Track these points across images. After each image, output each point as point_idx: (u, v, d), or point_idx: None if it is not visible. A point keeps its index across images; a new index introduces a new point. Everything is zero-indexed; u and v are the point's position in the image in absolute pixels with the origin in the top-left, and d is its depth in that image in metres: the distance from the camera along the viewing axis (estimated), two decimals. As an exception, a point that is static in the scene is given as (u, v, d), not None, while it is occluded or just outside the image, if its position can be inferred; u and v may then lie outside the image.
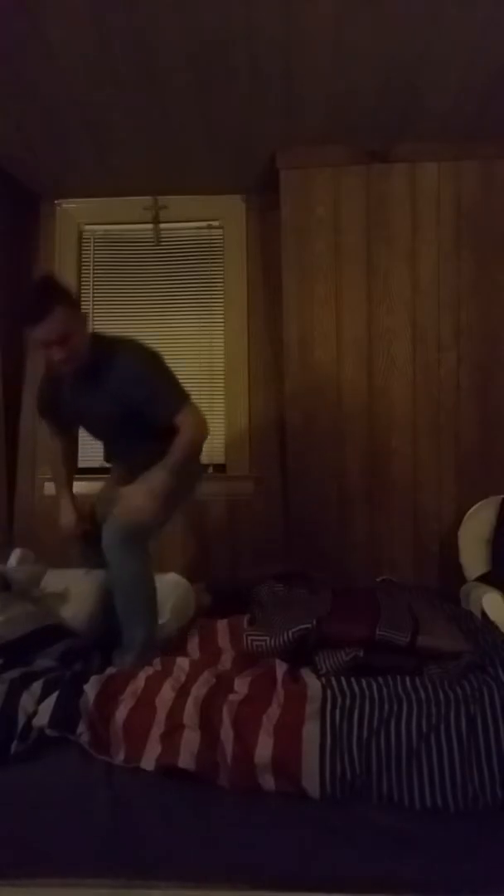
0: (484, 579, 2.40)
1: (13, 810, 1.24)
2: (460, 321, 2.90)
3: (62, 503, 2.25)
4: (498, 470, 2.83)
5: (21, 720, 1.37)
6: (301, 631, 1.57)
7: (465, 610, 2.21)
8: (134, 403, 1.85)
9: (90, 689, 1.43)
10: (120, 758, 1.33)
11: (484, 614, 2.11)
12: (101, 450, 2.28)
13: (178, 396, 1.90)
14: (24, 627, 1.75)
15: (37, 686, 1.45)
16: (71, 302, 1.86)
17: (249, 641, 1.64)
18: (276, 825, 1.18)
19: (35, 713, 1.38)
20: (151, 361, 1.93)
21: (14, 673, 1.52)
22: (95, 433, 2.18)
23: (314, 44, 2.20)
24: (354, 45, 2.21)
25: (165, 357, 2.02)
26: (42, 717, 1.36)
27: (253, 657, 1.63)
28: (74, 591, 2.02)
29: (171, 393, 1.90)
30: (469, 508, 2.69)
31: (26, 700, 1.40)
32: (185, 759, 1.27)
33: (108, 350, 1.90)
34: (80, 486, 3.23)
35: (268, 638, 1.61)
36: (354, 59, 2.28)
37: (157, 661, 1.67)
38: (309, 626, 1.57)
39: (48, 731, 1.35)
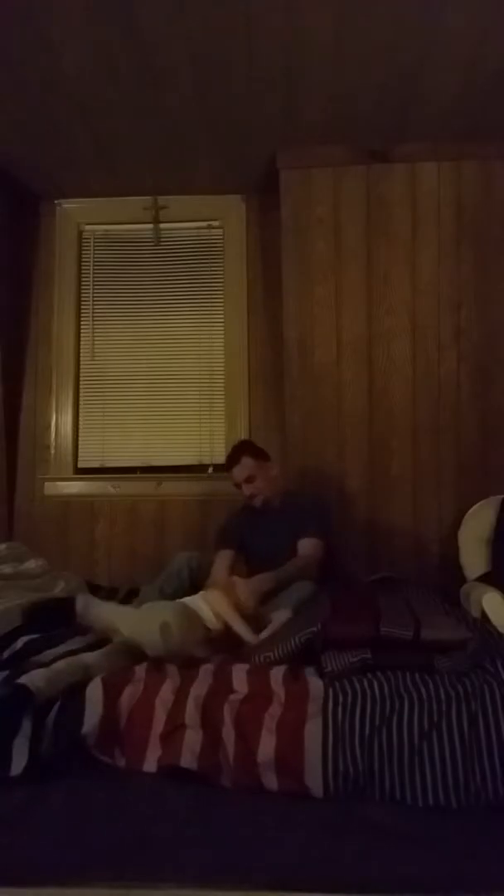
0: (484, 579, 2.39)
1: (12, 814, 1.23)
2: (460, 321, 2.90)
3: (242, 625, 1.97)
4: (498, 470, 2.83)
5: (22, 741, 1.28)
6: (307, 635, 1.57)
7: (462, 609, 2.21)
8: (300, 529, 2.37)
9: (91, 693, 1.40)
10: (122, 761, 1.31)
11: (484, 614, 2.11)
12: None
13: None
14: (13, 621, 1.74)
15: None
16: (257, 455, 2.52)
17: (259, 658, 1.61)
18: (280, 824, 1.18)
19: (34, 735, 1.30)
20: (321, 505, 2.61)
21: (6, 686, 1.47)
22: (263, 556, 2.39)
23: (314, 44, 2.20)
24: (354, 46, 2.22)
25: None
26: (45, 742, 1.28)
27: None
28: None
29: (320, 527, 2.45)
30: (469, 508, 2.69)
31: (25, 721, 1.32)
32: (188, 759, 1.26)
33: (294, 496, 2.61)
34: (80, 486, 3.27)
35: (274, 650, 1.60)
36: (354, 59, 2.29)
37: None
38: (315, 629, 1.57)
39: (49, 753, 1.28)
